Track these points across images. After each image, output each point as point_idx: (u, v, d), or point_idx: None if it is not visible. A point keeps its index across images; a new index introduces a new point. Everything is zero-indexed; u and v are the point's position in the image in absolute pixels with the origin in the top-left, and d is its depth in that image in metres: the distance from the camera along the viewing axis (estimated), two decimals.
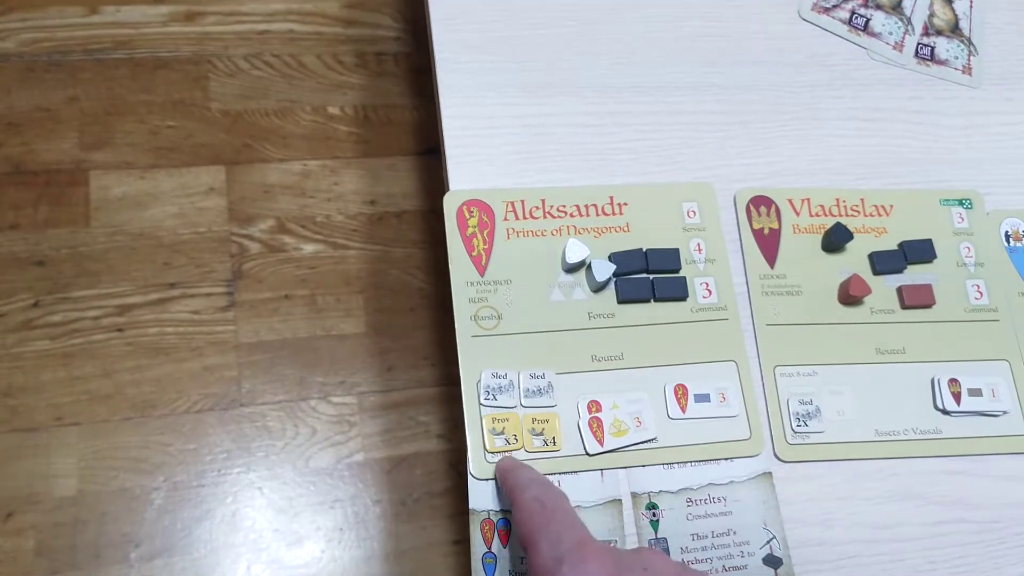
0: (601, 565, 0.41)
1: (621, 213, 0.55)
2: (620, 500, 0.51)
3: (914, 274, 0.56)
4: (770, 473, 0.52)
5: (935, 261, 0.56)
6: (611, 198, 0.55)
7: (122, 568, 1.04)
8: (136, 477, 1.07)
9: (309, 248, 1.22)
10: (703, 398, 0.52)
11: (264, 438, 1.12)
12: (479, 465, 0.49)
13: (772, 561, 0.50)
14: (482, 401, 0.51)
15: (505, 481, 0.48)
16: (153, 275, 1.16)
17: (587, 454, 0.50)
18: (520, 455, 0.50)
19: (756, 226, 0.56)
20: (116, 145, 1.21)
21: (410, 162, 1.30)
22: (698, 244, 0.55)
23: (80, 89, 1.23)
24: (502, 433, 0.50)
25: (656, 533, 0.50)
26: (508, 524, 0.49)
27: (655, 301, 0.54)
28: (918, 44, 0.63)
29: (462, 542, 1.13)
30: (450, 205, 0.54)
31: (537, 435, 0.50)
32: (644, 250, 0.54)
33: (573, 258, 0.52)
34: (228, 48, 1.30)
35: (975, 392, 0.54)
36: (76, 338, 1.11)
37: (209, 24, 1.31)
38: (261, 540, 1.07)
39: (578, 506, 0.50)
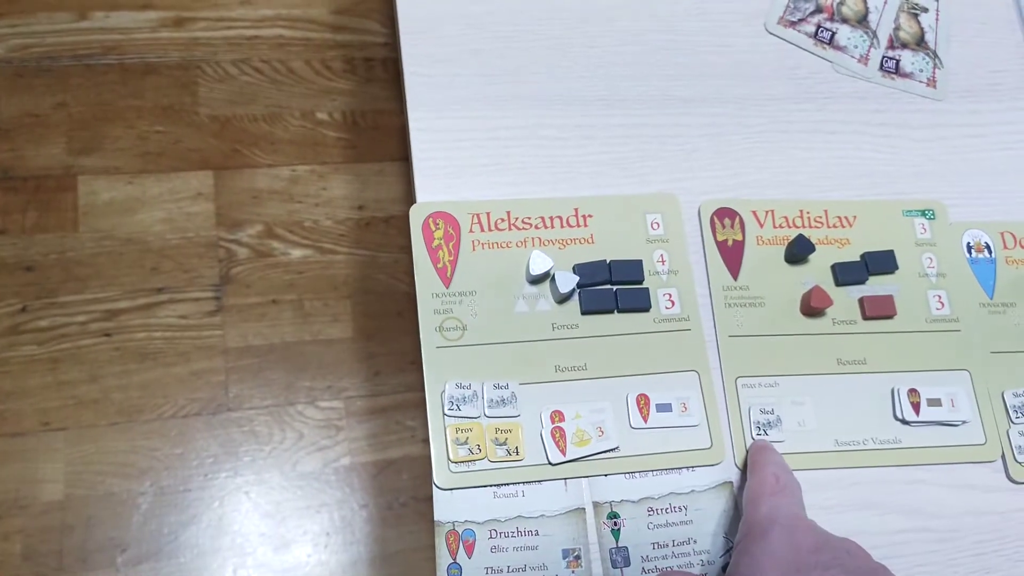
0: (808, 538, 0.45)
1: (585, 225, 0.56)
2: (584, 509, 0.51)
3: (876, 285, 0.57)
4: (731, 482, 0.52)
5: (897, 272, 0.57)
6: (576, 210, 0.56)
7: (109, 572, 1.04)
8: (123, 482, 1.08)
9: (297, 253, 1.22)
10: (665, 408, 0.53)
11: (251, 443, 1.13)
12: (443, 475, 0.50)
13: None
14: (446, 411, 0.51)
15: (755, 456, 0.51)
16: (141, 280, 1.17)
17: (550, 463, 0.51)
18: (483, 465, 0.51)
19: (720, 238, 0.57)
20: (104, 150, 1.22)
21: (398, 167, 1.31)
22: (661, 255, 0.56)
23: (69, 95, 1.24)
24: (466, 443, 0.51)
25: (617, 542, 0.50)
26: (474, 535, 0.50)
27: (618, 312, 0.54)
28: (883, 57, 0.63)
29: None
30: (416, 217, 0.55)
31: (500, 445, 0.51)
32: (608, 261, 0.55)
33: (537, 269, 0.53)
34: (217, 54, 1.30)
35: (934, 402, 0.54)
36: (63, 343, 1.12)
37: (198, 30, 1.31)
38: (248, 544, 1.08)
39: (541, 515, 0.50)
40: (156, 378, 1.13)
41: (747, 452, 0.53)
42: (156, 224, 1.20)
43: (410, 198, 1.28)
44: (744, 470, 0.52)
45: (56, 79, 1.25)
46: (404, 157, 1.30)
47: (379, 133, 1.32)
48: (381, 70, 1.35)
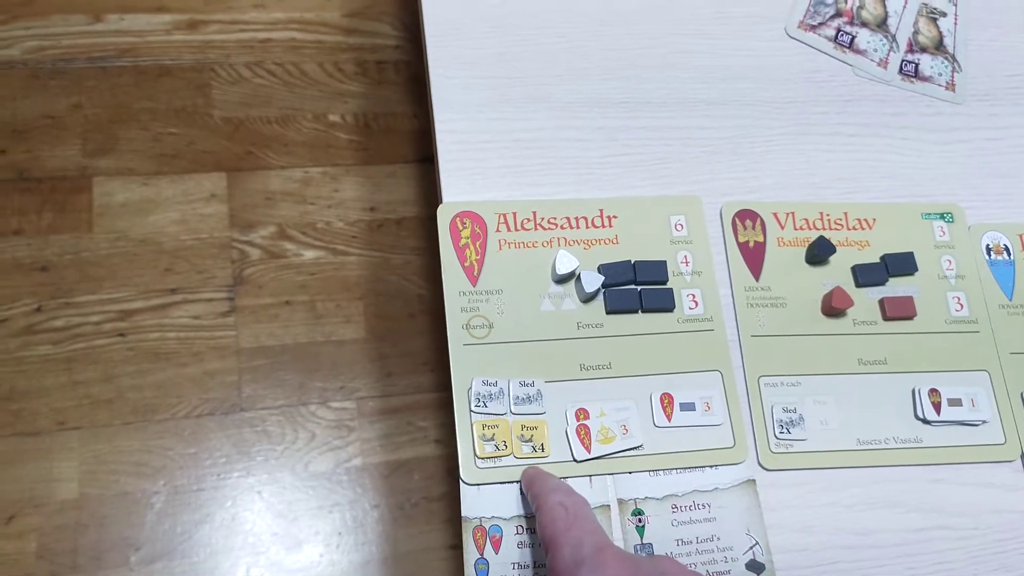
0: (619, 570, 0.42)
1: (610, 225, 0.56)
2: (608, 506, 0.52)
3: (896, 286, 0.57)
4: (754, 480, 0.53)
5: (916, 274, 0.58)
6: (601, 211, 0.57)
7: (122, 571, 1.05)
8: (137, 481, 1.08)
9: (309, 254, 1.23)
10: (688, 407, 0.54)
11: (264, 443, 1.13)
12: (470, 471, 0.51)
13: (755, 567, 0.51)
14: (473, 408, 0.52)
15: (531, 487, 0.49)
16: (155, 280, 1.17)
17: (575, 460, 0.52)
18: (509, 461, 0.51)
19: (742, 239, 0.57)
20: (119, 152, 1.23)
21: (410, 169, 1.32)
22: (685, 256, 0.56)
23: (84, 96, 1.25)
24: (492, 439, 0.51)
25: (642, 539, 0.51)
26: (500, 531, 0.50)
27: (642, 312, 0.55)
28: (902, 61, 0.64)
29: (459, 546, 1.14)
30: (444, 216, 0.56)
31: (526, 442, 0.52)
32: (632, 262, 0.55)
33: (563, 269, 0.54)
34: (230, 56, 1.31)
35: (955, 402, 0.55)
36: (78, 343, 1.12)
37: (212, 32, 1.32)
38: (260, 544, 1.08)
39: None
40: (170, 378, 1.13)
41: (520, 484, 0.51)
42: (170, 225, 1.21)
43: (421, 200, 1.29)
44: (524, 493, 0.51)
45: (71, 81, 1.26)
46: (416, 159, 1.31)
47: (391, 135, 1.32)
48: (393, 73, 1.36)
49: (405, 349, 1.21)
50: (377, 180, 1.30)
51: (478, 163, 0.58)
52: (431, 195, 1.30)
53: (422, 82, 1.36)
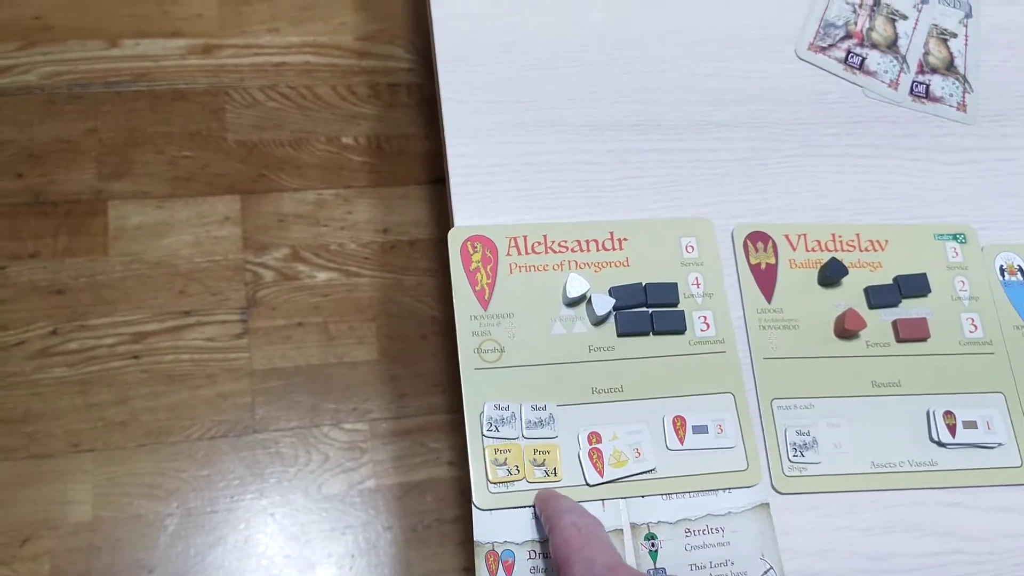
0: None
1: (621, 248, 0.56)
2: (621, 530, 0.52)
3: (909, 308, 0.57)
4: (767, 504, 0.53)
5: (930, 295, 0.57)
6: (611, 233, 0.57)
7: None
8: (150, 503, 1.09)
9: (322, 276, 1.24)
10: (701, 429, 0.53)
11: (276, 464, 1.13)
12: (482, 495, 0.51)
13: None
14: (485, 432, 0.52)
15: (544, 509, 0.49)
16: (169, 303, 1.18)
17: (587, 484, 0.52)
18: (522, 486, 0.51)
19: (753, 261, 0.57)
20: (134, 175, 1.24)
21: (422, 191, 1.32)
22: (696, 278, 0.56)
23: (100, 121, 1.26)
24: (504, 464, 0.51)
25: (655, 563, 0.51)
26: (513, 556, 0.50)
27: (654, 334, 0.55)
28: (913, 82, 0.64)
29: (472, 569, 1.14)
30: (455, 240, 0.56)
31: (539, 466, 0.52)
32: (643, 284, 0.55)
33: (574, 292, 0.54)
34: (244, 80, 1.32)
35: (970, 424, 0.54)
36: (93, 365, 1.13)
37: (226, 56, 1.34)
38: (273, 566, 1.08)
39: None
40: (183, 400, 1.14)
41: (534, 507, 0.51)
42: (184, 248, 1.22)
43: (434, 221, 1.30)
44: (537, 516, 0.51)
45: (87, 105, 1.27)
46: (428, 181, 1.32)
47: (403, 157, 1.33)
48: (405, 95, 1.37)
49: (418, 370, 1.21)
50: (390, 202, 1.31)
51: (489, 187, 0.58)
52: (443, 216, 1.30)
53: (434, 104, 1.36)
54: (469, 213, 0.57)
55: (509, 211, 0.57)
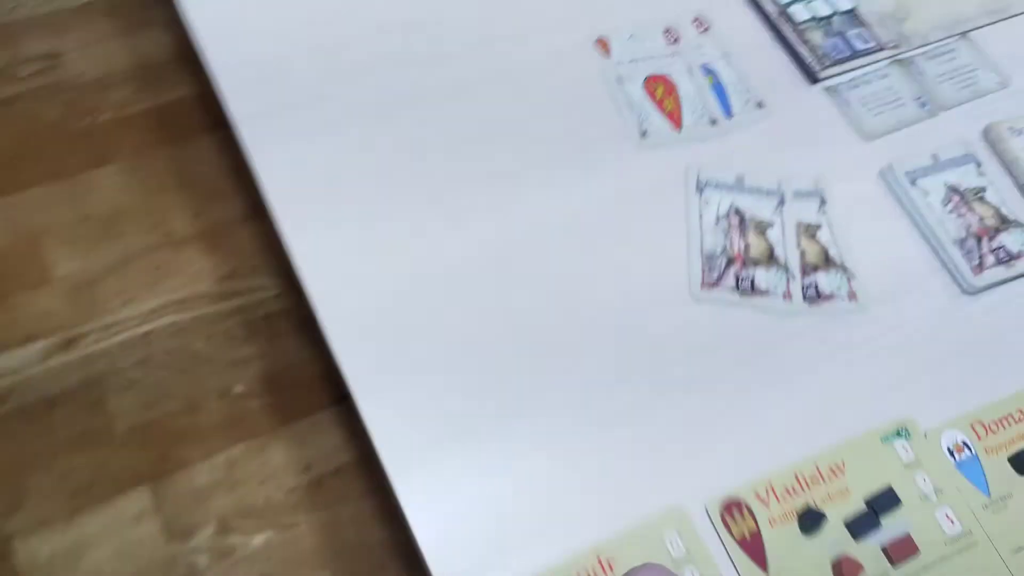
0: None
1: (612, 568, 0.56)
2: None
3: (890, 525, 0.59)
4: None
5: (903, 506, 0.59)
6: (599, 558, 0.56)
7: None
8: None
9: (258, 540, 1.18)
10: None
11: None
12: None
13: None
14: None
15: None
16: None
17: None
18: None
19: (737, 534, 0.58)
20: (30, 505, 1.16)
21: (329, 415, 1.29)
22: (692, 574, 0.56)
23: None
24: None
25: None
26: None
27: None
28: (803, 286, 0.67)
29: None
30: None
31: None
32: None
33: None
34: (116, 362, 1.26)
35: None
36: None
37: (90, 344, 1.27)
38: None
39: None
40: None
41: None
42: (106, 563, 1.14)
43: (351, 442, 1.26)
44: None
45: None
46: (333, 402, 1.29)
47: (300, 387, 1.29)
48: (284, 322, 1.33)
49: None
50: (302, 437, 1.26)
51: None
52: (359, 434, 1.27)
53: (312, 322, 1.34)
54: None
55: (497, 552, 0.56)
